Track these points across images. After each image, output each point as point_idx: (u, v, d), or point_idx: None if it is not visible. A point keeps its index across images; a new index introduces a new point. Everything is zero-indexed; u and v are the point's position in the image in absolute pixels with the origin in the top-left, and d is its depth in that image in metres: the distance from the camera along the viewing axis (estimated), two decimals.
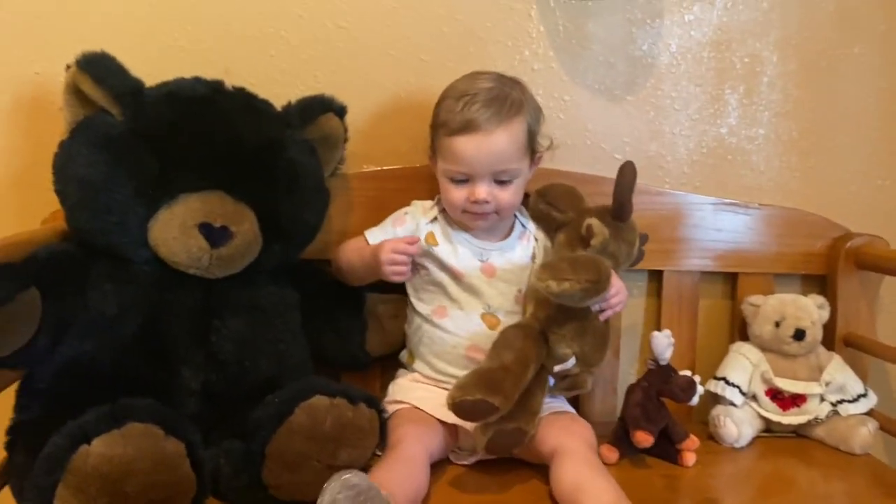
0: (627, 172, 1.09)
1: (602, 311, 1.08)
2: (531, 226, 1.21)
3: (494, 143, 1.08)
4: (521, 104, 1.11)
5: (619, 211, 1.11)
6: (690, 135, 1.39)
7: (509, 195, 1.12)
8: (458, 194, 1.12)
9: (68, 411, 0.84)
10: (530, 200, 1.21)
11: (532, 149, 1.15)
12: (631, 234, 1.14)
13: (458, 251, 1.15)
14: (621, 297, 1.09)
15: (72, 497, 0.78)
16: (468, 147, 1.08)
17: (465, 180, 1.11)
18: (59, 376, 0.98)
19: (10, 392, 1.01)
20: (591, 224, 1.11)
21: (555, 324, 1.07)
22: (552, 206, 1.18)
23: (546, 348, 1.07)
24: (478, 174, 1.10)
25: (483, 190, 1.10)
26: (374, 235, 1.17)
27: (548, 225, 1.19)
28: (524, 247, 1.19)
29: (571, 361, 1.06)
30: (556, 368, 1.07)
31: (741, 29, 1.37)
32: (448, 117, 1.10)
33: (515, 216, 1.20)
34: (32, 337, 0.92)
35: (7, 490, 0.93)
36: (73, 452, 0.78)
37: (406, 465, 0.97)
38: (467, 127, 1.08)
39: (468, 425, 1.05)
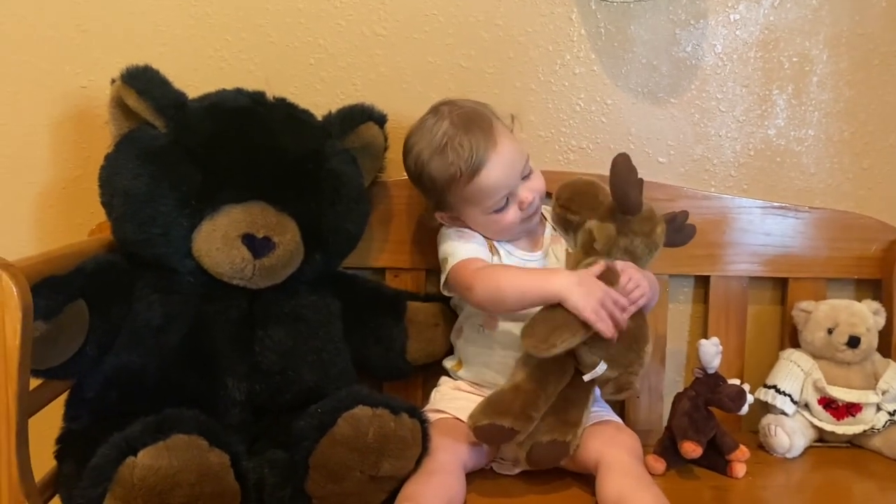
0: (620, 166, 1.05)
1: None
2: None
3: (506, 149, 1.08)
4: (475, 109, 1.11)
5: (622, 205, 1.07)
6: (737, 137, 1.36)
7: (538, 181, 1.13)
8: (511, 215, 1.11)
9: (116, 421, 0.85)
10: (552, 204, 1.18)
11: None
12: (645, 224, 1.08)
13: (505, 262, 1.14)
14: (643, 288, 1.04)
15: None
16: (495, 170, 1.07)
17: (507, 201, 1.10)
18: (106, 386, 0.99)
19: (60, 402, 1.03)
20: (589, 230, 1.08)
21: None
22: (566, 208, 1.13)
23: (573, 358, 1.04)
24: (514, 184, 1.10)
25: (527, 191, 1.10)
26: (474, 252, 1.11)
27: (566, 227, 1.16)
28: (558, 249, 1.17)
29: (602, 367, 1.03)
30: (587, 377, 1.04)
31: (789, 28, 1.34)
32: (452, 169, 1.06)
33: (544, 218, 1.19)
34: (81, 348, 0.94)
35: (57, 499, 0.94)
36: (120, 464, 0.79)
37: (438, 476, 0.96)
38: (481, 164, 1.06)
39: None
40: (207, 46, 1.23)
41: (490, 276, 1.06)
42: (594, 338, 1.02)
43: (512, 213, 1.11)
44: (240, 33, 1.23)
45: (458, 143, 1.06)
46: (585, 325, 0.99)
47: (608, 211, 1.09)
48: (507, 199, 1.10)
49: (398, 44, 1.26)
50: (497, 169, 1.07)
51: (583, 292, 0.99)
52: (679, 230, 1.12)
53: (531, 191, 1.11)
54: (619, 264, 1.05)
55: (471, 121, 1.08)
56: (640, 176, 1.06)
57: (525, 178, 1.11)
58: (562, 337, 0.98)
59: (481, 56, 1.28)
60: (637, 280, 1.04)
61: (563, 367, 1.04)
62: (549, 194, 1.17)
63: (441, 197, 1.12)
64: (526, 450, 1.02)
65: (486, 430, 1.00)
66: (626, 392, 1.07)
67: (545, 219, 1.20)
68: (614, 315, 1.00)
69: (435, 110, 1.12)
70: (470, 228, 1.15)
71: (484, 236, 1.15)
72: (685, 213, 1.13)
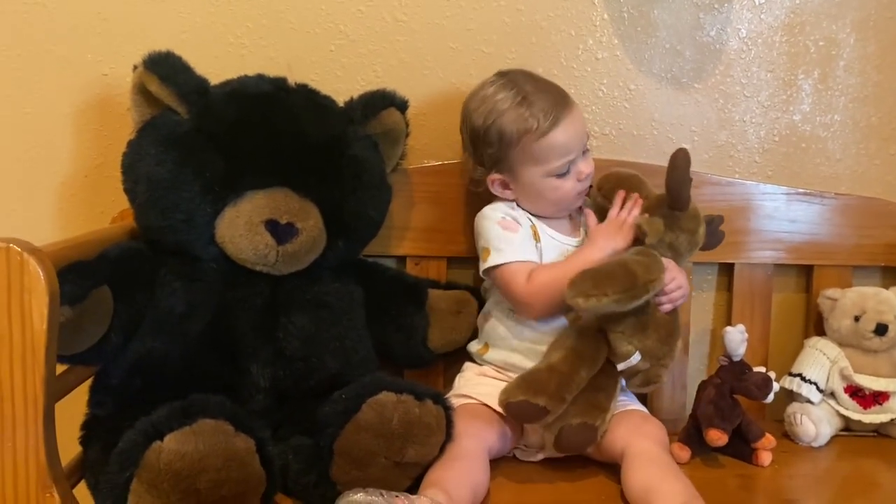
0: (680, 161, 1.05)
1: (661, 304, 1.05)
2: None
3: (578, 115, 1.11)
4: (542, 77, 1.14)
5: (675, 201, 1.07)
6: (762, 122, 1.34)
7: (591, 159, 1.14)
8: (569, 184, 1.11)
9: (141, 407, 0.85)
10: (590, 193, 1.18)
11: None
12: (691, 221, 1.09)
13: (545, 248, 1.14)
14: (684, 289, 1.06)
15: (145, 493, 0.79)
16: (569, 130, 1.09)
17: (568, 169, 1.10)
18: (131, 372, 0.99)
19: (85, 388, 1.03)
20: (639, 225, 1.08)
21: (612, 321, 1.04)
22: (608, 199, 1.14)
23: (606, 346, 1.04)
24: (578, 152, 1.11)
25: (586, 164, 1.12)
26: (521, 251, 1.10)
27: (604, 217, 1.16)
28: None
29: (636, 357, 1.03)
30: (621, 366, 1.04)
31: (816, 11, 1.32)
32: (530, 122, 1.07)
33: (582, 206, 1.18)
34: (105, 334, 0.94)
35: (83, 484, 0.94)
36: (146, 448, 0.79)
37: (462, 462, 0.96)
38: (558, 120, 1.08)
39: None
40: (228, 33, 1.22)
41: (545, 291, 1.06)
42: (634, 326, 1.02)
43: (570, 183, 1.11)
44: (260, 20, 1.23)
45: (537, 98, 1.08)
46: (631, 280, 0.98)
47: (653, 205, 1.09)
48: (569, 166, 1.10)
49: (419, 30, 1.25)
50: (570, 130, 1.09)
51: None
52: (713, 234, 1.13)
53: (589, 165, 1.12)
54: (664, 261, 1.05)
55: (546, 83, 1.12)
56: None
57: (584, 152, 1.13)
58: (611, 287, 0.97)
59: (503, 41, 1.27)
60: (680, 281, 1.06)
61: (597, 352, 1.04)
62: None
63: (504, 154, 1.10)
64: (555, 433, 1.01)
65: (520, 407, 0.99)
66: (653, 385, 1.08)
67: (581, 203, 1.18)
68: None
69: (501, 75, 1.13)
70: (516, 203, 1.14)
71: (529, 215, 1.14)
72: (721, 218, 1.14)
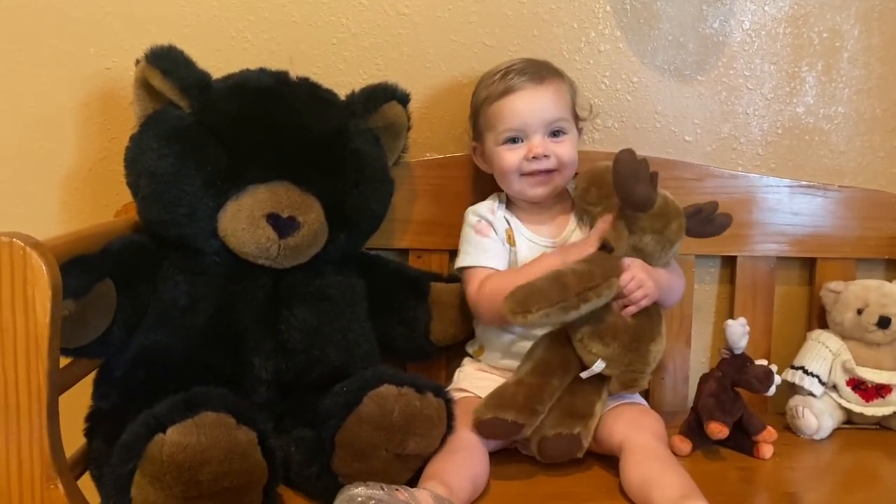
0: (622, 164, 1.00)
1: (625, 306, 1.03)
2: None
3: (541, 95, 1.11)
4: (559, 71, 1.15)
5: (627, 203, 1.02)
6: (765, 115, 1.34)
7: (566, 149, 1.12)
8: (513, 155, 1.11)
9: (144, 399, 0.86)
10: (573, 192, 1.16)
11: (576, 115, 1.15)
12: (657, 221, 1.04)
13: (521, 249, 1.14)
14: (646, 289, 1.02)
15: (148, 485, 0.80)
16: (517, 103, 1.10)
17: (518, 141, 1.11)
18: (134, 365, 1.00)
19: (89, 380, 1.04)
20: (605, 239, 1.05)
21: (571, 328, 1.03)
22: (583, 199, 1.11)
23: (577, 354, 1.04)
24: (530, 128, 1.10)
25: (539, 143, 1.10)
26: (485, 256, 1.12)
27: (584, 217, 1.15)
28: (584, 235, 1.15)
29: (600, 365, 1.02)
30: (584, 374, 1.03)
31: (820, 2, 1.31)
32: (490, 90, 1.12)
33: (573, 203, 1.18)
34: (108, 327, 0.94)
35: (87, 476, 0.95)
36: (149, 441, 0.79)
37: (461, 454, 0.96)
38: (511, 88, 1.10)
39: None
40: (230, 27, 1.23)
41: (490, 299, 1.07)
42: (591, 334, 1.02)
43: (514, 156, 1.11)
44: (262, 14, 1.23)
45: (513, 72, 1.11)
46: (561, 292, 0.97)
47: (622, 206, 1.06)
48: (521, 139, 1.11)
49: (421, 23, 1.25)
50: (525, 102, 1.10)
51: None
52: (709, 221, 1.08)
53: (547, 148, 1.10)
54: (626, 261, 1.03)
55: (537, 62, 1.14)
56: (651, 168, 1.01)
57: (553, 136, 1.11)
58: (537, 303, 0.96)
59: (505, 34, 1.26)
60: (640, 280, 1.02)
61: (567, 361, 1.04)
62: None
63: (475, 121, 1.16)
64: (536, 445, 1.02)
65: (490, 425, 0.99)
66: (632, 389, 1.07)
67: (573, 203, 1.18)
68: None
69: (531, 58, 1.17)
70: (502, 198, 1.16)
71: (510, 215, 1.15)
72: (713, 204, 1.09)
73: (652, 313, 1.06)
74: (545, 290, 0.97)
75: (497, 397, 1.01)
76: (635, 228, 1.04)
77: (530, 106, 1.10)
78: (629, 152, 1.00)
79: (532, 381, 1.01)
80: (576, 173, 1.16)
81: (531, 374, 1.02)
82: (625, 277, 1.02)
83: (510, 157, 1.11)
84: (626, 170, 1.00)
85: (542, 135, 1.10)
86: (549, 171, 1.11)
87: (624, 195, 1.02)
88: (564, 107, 1.13)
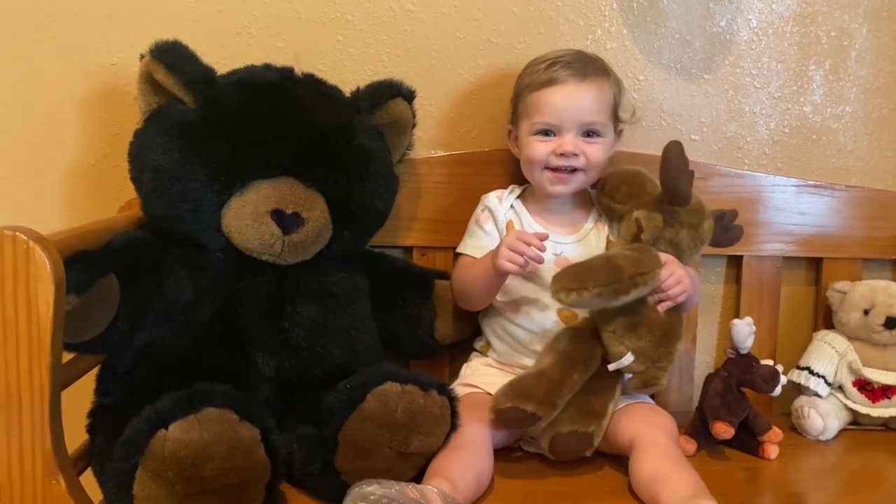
0: (672, 153, 1.02)
1: (660, 301, 1.03)
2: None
3: (582, 93, 1.09)
4: (606, 69, 1.14)
5: (671, 195, 1.04)
6: (772, 114, 1.33)
7: (597, 151, 1.11)
8: (542, 147, 1.10)
9: (147, 395, 0.86)
10: (594, 193, 1.17)
11: (616, 116, 1.14)
12: (693, 216, 1.06)
13: None
14: (684, 285, 1.02)
15: (150, 481, 0.79)
16: (556, 97, 1.09)
17: (550, 134, 1.10)
18: (137, 361, 0.99)
19: (92, 376, 1.03)
20: (637, 218, 1.06)
21: (603, 320, 1.02)
22: (611, 197, 1.12)
23: (601, 348, 1.03)
24: (565, 125, 1.09)
25: (571, 141, 1.09)
26: (472, 246, 1.15)
27: (609, 216, 1.15)
28: (598, 236, 1.15)
29: (629, 358, 1.01)
30: (612, 366, 1.02)
31: (827, 1, 1.30)
32: (533, 78, 1.11)
33: (592, 203, 1.17)
34: (111, 323, 0.94)
35: (89, 472, 0.95)
36: (151, 437, 0.79)
37: (466, 451, 0.96)
38: (553, 80, 1.09)
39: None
40: (235, 23, 1.22)
41: (455, 283, 1.15)
42: (626, 326, 1.01)
43: (544, 148, 1.10)
44: (267, 9, 1.22)
45: (555, 62, 1.10)
46: (615, 273, 0.97)
47: (655, 201, 1.07)
48: (553, 133, 1.10)
49: (427, 19, 1.25)
50: (564, 97, 1.09)
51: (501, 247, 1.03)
52: (727, 229, 1.11)
53: (579, 148, 1.09)
54: (663, 256, 1.03)
55: (583, 60, 1.12)
56: (690, 167, 1.04)
57: (586, 136, 1.10)
58: (593, 280, 0.96)
59: (511, 31, 1.26)
60: (679, 276, 1.03)
61: (590, 355, 1.03)
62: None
63: (515, 105, 1.15)
64: (548, 440, 1.01)
65: (509, 414, 0.99)
66: (652, 388, 1.06)
67: (593, 204, 1.18)
68: (517, 249, 1.02)
69: (582, 51, 1.17)
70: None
71: (520, 206, 1.16)
72: (734, 213, 1.12)
73: (679, 312, 1.06)
74: (600, 270, 0.98)
75: (517, 387, 1.00)
76: (673, 222, 1.05)
77: (568, 102, 1.09)
78: (678, 144, 1.02)
79: (554, 373, 1.00)
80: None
81: (554, 367, 1.01)
82: (665, 271, 1.01)
83: (540, 148, 1.11)
84: (675, 161, 1.02)
85: (574, 133, 1.10)
86: (573, 171, 1.11)
87: (670, 186, 1.03)
88: (604, 107, 1.11)
